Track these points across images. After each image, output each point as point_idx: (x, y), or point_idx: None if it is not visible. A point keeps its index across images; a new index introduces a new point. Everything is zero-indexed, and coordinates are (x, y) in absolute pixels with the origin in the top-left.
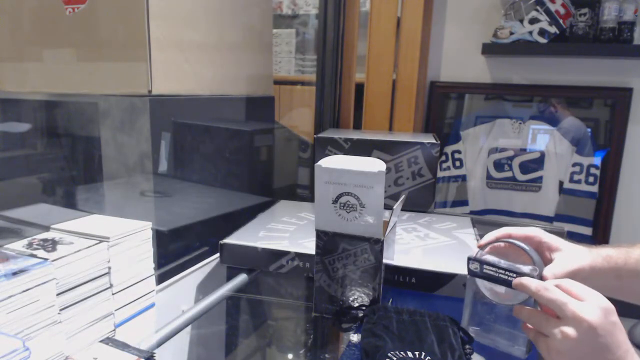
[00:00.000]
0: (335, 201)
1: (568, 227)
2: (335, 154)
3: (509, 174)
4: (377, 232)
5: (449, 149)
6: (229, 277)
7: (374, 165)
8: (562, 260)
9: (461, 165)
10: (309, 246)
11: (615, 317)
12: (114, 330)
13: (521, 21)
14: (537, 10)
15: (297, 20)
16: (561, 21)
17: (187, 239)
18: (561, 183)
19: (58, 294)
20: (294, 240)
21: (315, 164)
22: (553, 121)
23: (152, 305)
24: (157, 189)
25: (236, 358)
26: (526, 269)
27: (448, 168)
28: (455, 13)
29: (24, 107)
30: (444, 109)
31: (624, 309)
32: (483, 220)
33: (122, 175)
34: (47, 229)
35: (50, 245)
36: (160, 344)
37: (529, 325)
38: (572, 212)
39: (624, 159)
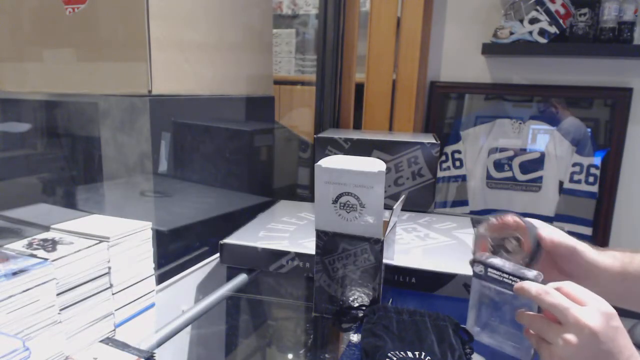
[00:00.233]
0: (335, 201)
1: (568, 227)
2: (335, 154)
3: (509, 174)
4: (377, 232)
5: (449, 149)
6: (229, 277)
7: (374, 165)
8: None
9: (461, 165)
10: (309, 246)
11: (617, 321)
12: (114, 330)
13: (521, 21)
14: (537, 10)
15: (297, 20)
16: (561, 21)
17: (187, 239)
18: (561, 183)
19: (58, 294)
20: (294, 240)
21: (315, 164)
22: (553, 121)
23: (152, 305)
24: (157, 189)
25: (236, 358)
26: (530, 274)
27: (448, 168)
28: (455, 13)
29: (24, 107)
30: (444, 109)
31: (624, 309)
32: (483, 220)
33: (122, 175)
34: (47, 229)
35: (50, 245)
36: (160, 344)
37: (531, 331)
38: (572, 212)
39: (624, 159)
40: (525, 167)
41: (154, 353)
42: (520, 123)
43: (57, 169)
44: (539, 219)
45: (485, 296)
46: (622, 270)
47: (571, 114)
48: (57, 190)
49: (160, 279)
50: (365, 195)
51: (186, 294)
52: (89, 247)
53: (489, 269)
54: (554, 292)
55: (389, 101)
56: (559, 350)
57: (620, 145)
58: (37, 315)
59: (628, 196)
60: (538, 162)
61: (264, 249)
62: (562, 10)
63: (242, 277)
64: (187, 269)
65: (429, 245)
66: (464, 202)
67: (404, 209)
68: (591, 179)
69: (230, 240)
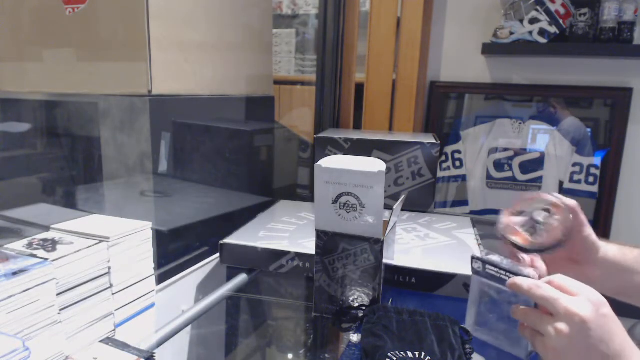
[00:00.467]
0: (335, 201)
1: None
2: (335, 154)
3: (509, 174)
4: (377, 232)
5: (449, 149)
6: (229, 277)
7: (374, 165)
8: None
9: (461, 165)
10: (309, 246)
11: (607, 309)
12: (114, 330)
13: (521, 21)
14: (537, 10)
15: (297, 20)
16: (561, 21)
17: (187, 239)
18: (561, 183)
19: (58, 294)
20: (294, 240)
21: (315, 164)
22: (553, 121)
23: (152, 305)
24: (157, 189)
25: (236, 358)
26: (526, 271)
27: (448, 168)
28: (455, 13)
29: (24, 107)
30: (444, 109)
31: (624, 309)
32: (483, 220)
33: (122, 175)
34: (47, 229)
35: (50, 245)
36: (160, 344)
37: (526, 325)
38: None
39: (624, 159)
40: (525, 167)
41: (154, 353)
42: (520, 123)
43: (57, 169)
44: None
45: (484, 293)
46: (622, 259)
47: (571, 114)
48: (57, 190)
49: (160, 279)
50: (365, 195)
51: (186, 294)
52: (89, 247)
53: (487, 266)
54: (544, 285)
55: (389, 101)
56: (552, 340)
57: (620, 145)
58: (37, 315)
59: (628, 196)
60: (538, 162)
61: (264, 249)
62: (562, 10)
63: (242, 277)
64: (187, 269)
65: (429, 245)
66: (464, 202)
67: (404, 209)
68: (591, 179)
69: (230, 240)
